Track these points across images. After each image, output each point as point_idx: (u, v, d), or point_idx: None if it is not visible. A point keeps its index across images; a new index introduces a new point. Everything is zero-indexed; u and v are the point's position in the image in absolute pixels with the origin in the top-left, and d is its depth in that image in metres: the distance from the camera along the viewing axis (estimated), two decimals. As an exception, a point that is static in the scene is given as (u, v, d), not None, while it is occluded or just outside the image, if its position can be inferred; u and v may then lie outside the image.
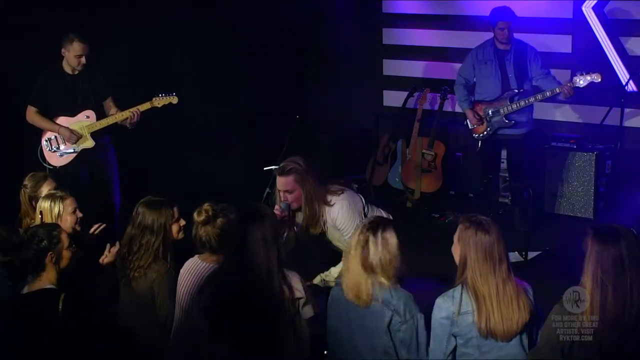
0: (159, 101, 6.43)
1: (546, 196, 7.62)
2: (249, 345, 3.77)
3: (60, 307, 3.86)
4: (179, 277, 4.34)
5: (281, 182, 4.79)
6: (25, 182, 5.21)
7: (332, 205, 4.80)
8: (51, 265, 4.02)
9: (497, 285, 3.57)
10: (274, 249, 3.79)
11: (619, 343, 3.33)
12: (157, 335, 4.36)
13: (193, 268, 4.30)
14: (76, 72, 6.36)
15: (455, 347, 3.70)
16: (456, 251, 3.69)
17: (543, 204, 7.62)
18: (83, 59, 6.29)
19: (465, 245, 3.61)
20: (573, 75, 6.83)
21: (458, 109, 8.36)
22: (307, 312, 3.93)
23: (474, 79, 7.23)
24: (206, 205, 4.32)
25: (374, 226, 3.81)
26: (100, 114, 6.41)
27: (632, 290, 3.33)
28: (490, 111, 7.06)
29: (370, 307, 3.78)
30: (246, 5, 8.44)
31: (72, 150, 6.40)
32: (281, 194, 4.81)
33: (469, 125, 7.21)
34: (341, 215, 4.79)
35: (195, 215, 4.31)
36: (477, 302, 3.58)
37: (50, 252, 4.02)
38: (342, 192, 4.85)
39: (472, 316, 3.60)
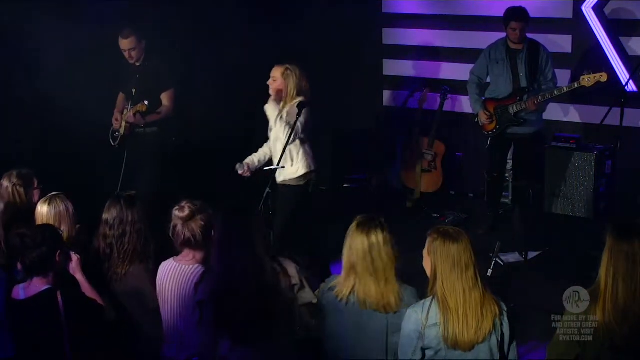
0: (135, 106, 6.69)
1: (546, 196, 7.62)
2: (246, 335, 3.76)
3: (60, 301, 3.91)
4: (157, 282, 4.27)
5: None
6: (14, 181, 4.94)
7: None
8: (58, 263, 4.05)
9: (463, 292, 3.55)
10: (261, 240, 3.81)
11: (630, 337, 3.40)
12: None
13: (174, 272, 4.22)
14: (138, 64, 6.69)
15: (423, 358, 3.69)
16: (427, 264, 3.70)
17: (543, 204, 7.61)
18: (127, 54, 6.61)
19: (434, 256, 3.62)
20: (575, 74, 6.79)
21: (458, 109, 8.37)
22: (305, 297, 3.95)
23: (488, 78, 7.23)
24: (185, 202, 4.27)
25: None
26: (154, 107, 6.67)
27: None
28: (499, 109, 7.05)
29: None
30: (246, 4, 8.44)
31: (116, 134, 6.88)
32: None
33: (480, 122, 7.18)
34: None
35: (177, 212, 4.24)
36: (445, 313, 3.58)
37: (59, 250, 4.06)
38: None
39: (439, 328, 3.59)
